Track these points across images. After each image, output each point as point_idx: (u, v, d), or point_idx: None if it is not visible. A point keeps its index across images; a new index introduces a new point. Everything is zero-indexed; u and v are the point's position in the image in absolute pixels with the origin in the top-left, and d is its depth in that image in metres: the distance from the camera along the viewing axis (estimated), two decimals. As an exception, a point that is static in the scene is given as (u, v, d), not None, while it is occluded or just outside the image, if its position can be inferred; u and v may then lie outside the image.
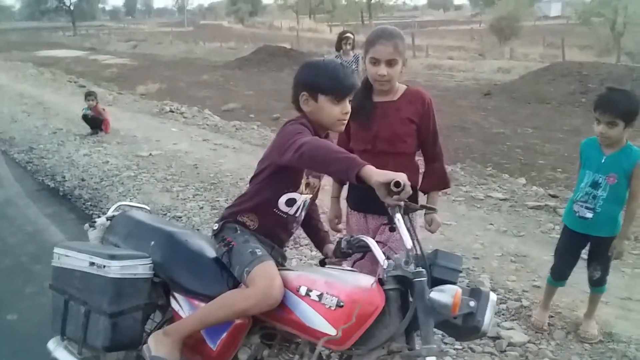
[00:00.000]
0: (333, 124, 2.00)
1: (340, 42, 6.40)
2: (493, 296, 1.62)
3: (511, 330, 3.10)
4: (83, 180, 6.10)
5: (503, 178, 6.26)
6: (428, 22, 47.44)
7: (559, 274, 3.12)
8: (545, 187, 5.92)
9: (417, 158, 2.57)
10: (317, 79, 1.95)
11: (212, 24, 62.57)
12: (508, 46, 25.87)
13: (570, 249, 3.06)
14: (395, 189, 1.51)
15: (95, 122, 8.29)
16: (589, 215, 2.87)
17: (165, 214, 4.94)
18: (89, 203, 5.43)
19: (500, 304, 3.40)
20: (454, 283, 1.64)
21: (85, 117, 8.27)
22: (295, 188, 2.01)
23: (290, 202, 2.02)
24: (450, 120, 9.66)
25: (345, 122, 2.03)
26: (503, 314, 3.31)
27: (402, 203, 1.60)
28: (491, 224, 4.74)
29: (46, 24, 64.52)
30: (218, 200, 5.25)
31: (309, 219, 2.26)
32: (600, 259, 2.94)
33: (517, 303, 3.42)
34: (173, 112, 10.61)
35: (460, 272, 1.66)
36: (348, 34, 6.49)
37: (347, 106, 1.98)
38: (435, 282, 1.63)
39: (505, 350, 2.93)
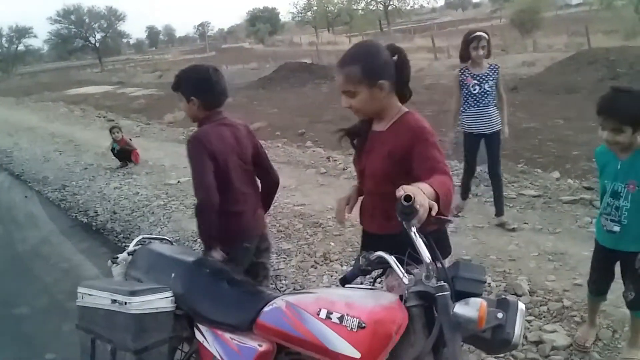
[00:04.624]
0: None
1: (468, 47, 4.43)
2: (521, 305, 1.54)
3: (554, 333, 2.97)
4: (115, 213, 6.19)
5: (535, 174, 6.08)
6: (447, 22, 47.11)
7: (596, 289, 2.84)
8: (580, 179, 5.73)
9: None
10: None
11: (233, 47, 63.48)
12: (531, 39, 25.43)
13: (603, 264, 2.76)
14: (405, 203, 1.45)
15: (125, 154, 8.45)
16: (616, 228, 2.56)
17: (195, 240, 4.96)
18: (122, 235, 5.50)
19: (541, 305, 3.28)
20: (478, 295, 1.56)
21: (114, 152, 8.44)
22: None
23: None
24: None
25: None
26: (544, 317, 3.19)
27: (416, 218, 1.53)
28: (525, 223, 4.61)
29: (74, 63, 66.54)
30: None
31: None
32: (632, 277, 2.58)
33: (559, 304, 3.29)
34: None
35: (484, 282, 1.58)
36: (479, 34, 4.41)
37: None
38: (459, 295, 1.56)
39: (549, 355, 2.83)
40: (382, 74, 1.96)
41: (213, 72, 2.64)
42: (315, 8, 63.25)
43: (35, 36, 71.41)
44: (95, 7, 68.09)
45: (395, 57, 2.00)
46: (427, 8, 64.71)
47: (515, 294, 3.41)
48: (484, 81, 4.43)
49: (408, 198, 1.45)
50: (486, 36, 4.42)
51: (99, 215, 6.22)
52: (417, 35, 35.96)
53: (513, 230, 4.47)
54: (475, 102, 4.47)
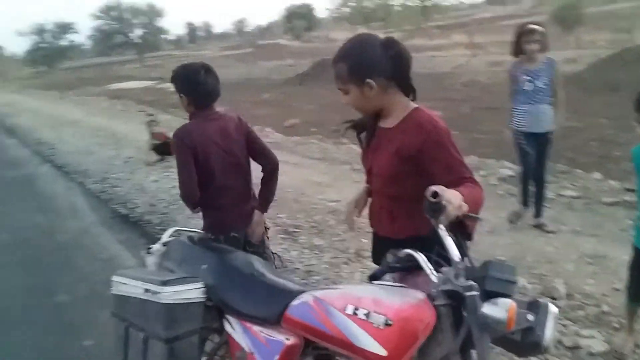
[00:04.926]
0: None
1: (521, 41, 4.24)
2: (553, 308, 1.51)
3: (591, 339, 2.91)
4: (153, 205, 6.32)
5: (575, 174, 5.94)
6: (486, 19, 46.26)
7: (635, 295, 2.76)
8: (622, 180, 5.56)
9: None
10: None
11: (270, 43, 63.75)
12: (573, 35, 24.76)
13: None
14: (432, 199, 1.44)
15: (164, 149, 8.55)
16: None
17: (230, 235, 5.02)
18: (159, 227, 5.60)
19: (578, 310, 3.21)
20: (509, 296, 1.54)
21: (154, 147, 8.59)
22: None
23: None
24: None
25: None
26: (581, 321, 3.12)
27: (444, 215, 1.52)
28: (564, 225, 4.51)
29: (115, 58, 67.95)
30: (280, 217, 5.28)
31: None
32: None
33: (597, 309, 3.21)
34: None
35: (515, 283, 1.56)
36: (533, 26, 4.22)
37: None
38: (489, 296, 1.54)
39: (584, 361, 2.76)
40: (371, 72, 1.87)
41: (203, 71, 2.72)
42: (351, 4, 63.06)
43: (77, 32, 72.97)
44: (135, 3, 69.42)
45: (392, 52, 1.89)
46: (466, 4, 63.71)
47: (552, 297, 3.34)
48: (537, 77, 4.21)
49: (435, 194, 1.44)
50: (541, 29, 4.18)
51: (137, 207, 6.37)
52: (455, 32, 35.43)
53: (551, 232, 4.36)
54: (527, 99, 4.27)
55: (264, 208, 2.94)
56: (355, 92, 1.93)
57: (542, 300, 1.56)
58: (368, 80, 1.88)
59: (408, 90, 1.97)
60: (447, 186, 1.62)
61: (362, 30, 55.46)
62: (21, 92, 32.31)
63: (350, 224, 2.28)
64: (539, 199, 4.52)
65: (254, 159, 2.90)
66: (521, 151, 4.47)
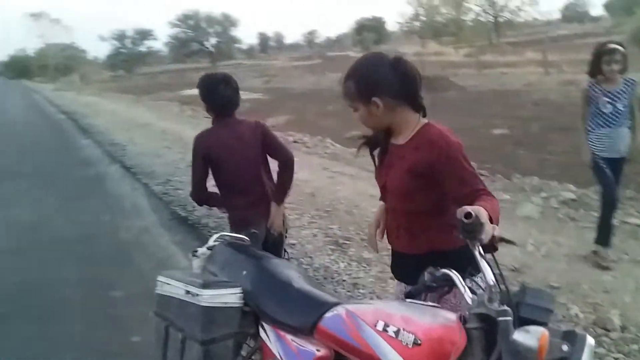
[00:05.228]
0: None
1: (600, 61, 4.01)
2: (590, 340, 1.44)
3: (645, 376, 2.74)
4: (210, 209, 6.49)
5: (643, 201, 5.63)
6: (562, 36, 44.61)
7: None
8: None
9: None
10: None
11: (339, 55, 64.26)
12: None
13: None
14: (466, 220, 1.41)
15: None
16: None
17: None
18: (214, 231, 5.74)
19: (631, 343, 3.04)
20: (545, 324, 1.48)
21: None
22: None
23: None
24: (587, 141, 8.90)
25: None
26: (635, 355, 2.95)
27: (483, 234, 1.48)
28: (626, 254, 4.28)
29: (190, 65, 70.53)
30: (331, 228, 5.30)
31: None
32: None
33: (654, 344, 3.02)
34: (296, 142, 10.99)
35: (552, 311, 1.50)
36: (614, 46, 3.97)
37: None
38: (523, 322, 1.49)
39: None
40: (377, 90, 1.90)
41: (222, 83, 3.01)
42: (422, 18, 62.60)
43: (155, 39, 76.50)
44: (211, 13, 71.86)
45: (399, 71, 1.91)
46: (541, 21, 61.67)
47: (605, 329, 3.18)
48: (617, 99, 3.97)
49: (468, 215, 1.41)
50: (622, 49, 3.94)
51: (195, 210, 6.55)
52: (528, 49, 34.43)
53: (606, 268, 4.08)
54: (605, 122, 4.02)
55: (279, 199, 3.12)
56: (363, 110, 1.97)
57: (580, 331, 1.49)
58: (374, 99, 1.91)
59: (417, 108, 1.98)
60: (462, 200, 1.70)
61: (432, 44, 55.01)
62: (99, 95, 34.08)
63: (373, 245, 2.33)
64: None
65: (271, 156, 3.14)
66: (600, 179, 4.17)
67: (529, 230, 4.89)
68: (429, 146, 1.89)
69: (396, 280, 2.30)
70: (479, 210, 1.46)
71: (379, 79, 1.91)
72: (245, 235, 2.71)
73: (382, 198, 2.21)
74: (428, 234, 1.99)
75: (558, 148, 8.59)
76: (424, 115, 2.00)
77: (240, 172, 3.00)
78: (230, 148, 2.96)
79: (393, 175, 2.02)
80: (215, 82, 3.01)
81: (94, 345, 3.57)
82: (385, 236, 2.27)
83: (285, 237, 3.31)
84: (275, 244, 3.11)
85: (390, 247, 2.23)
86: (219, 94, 2.99)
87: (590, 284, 3.76)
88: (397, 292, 2.27)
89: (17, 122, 21.02)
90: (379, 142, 2.12)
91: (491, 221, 1.52)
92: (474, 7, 54.33)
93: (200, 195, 3.09)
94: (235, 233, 2.78)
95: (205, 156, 2.97)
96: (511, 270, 3.99)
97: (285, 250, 3.28)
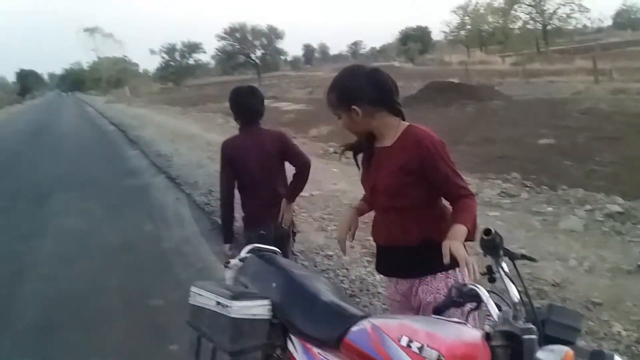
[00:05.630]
0: None
1: None
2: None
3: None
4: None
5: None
6: (613, 43, 43.15)
7: None
8: None
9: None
10: None
11: (383, 65, 64.29)
12: None
13: None
14: (486, 237, 1.40)
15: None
16: None
17: (317, 253, 5.11)
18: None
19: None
20: (571, 343, 1.45)
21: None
22: None
23: None
24: (639, 151, 8.59)
25: None
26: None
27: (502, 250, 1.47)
28: (676, 270, 4.08)
29: (237, 77, 71.82)
30: (368, 239, 5.28)
31: None
32: None
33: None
34: (336, 152, 11.01)
35: (579, 330, 1.46)
36: None
37: None
38: (549, 341, 1.46)
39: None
40: (355, 98, 2.08)
41: (248, 94, 3.33)
42: (468, 27, 61.89)
43: (204, 52, 78.38)
44: (257, 25, 73.07)
45: (375, 81, 2.09)
46: (591, 28, 59.90)
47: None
48: None
49: (487, 232, 1.40)
50: None
51: (236, 221, 6.63)
52: (577, 57, 33.50)
53: None
54: None
55: (290, 198, 3.36)
56: (345, 118, 2.15)
57: (607, 351, 1.44)
58: (354, 106, 2.09)
59: (396, 112, 2.14)
60: (446, 196, 2.09)
61: (478, 53, 54.26)
62: (148, 107, 35.13)
63: (343, 248, 2.46)
64: None
65: (289, 162, 3.37)
66: None
67: (572, 244, 4.74)
68: (416, 144, 2.06)
69: (387, 279, 2.41)
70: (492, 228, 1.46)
71: (356, 88, 2.09)
72: (254, 236, 2.90)
73: (370, 200, 2.32)
74: (420, 225, 2.12)
75: (606, 159, 8.32)
76: (403, 119, 2.16)
77: (254, 175, 3.25)
78: (248, 153, 3.22)
79: (383, 175, 2.15)
80: (241, 94, 3.33)
81: (133, 352, 3.67)
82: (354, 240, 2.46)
83: (294, 240, 3.55)
84: (282, 239, 3.31)
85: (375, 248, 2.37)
86: (244, 104, 3.31)
87: (635, 301, 3.61)
88: (392, 294, 2.34)
89: (70, 134, 21.94)
90: (362, 147, 2.27)
91: (472, 231, 1.75)
92: (522, 15, 53.33)
93: (228, 197, 3.30)
94: (247, 232, 3.00)
95: (228, 160, 3.25)
96: (552, 285, 3.88)
97: (294, 253, 3.50)
